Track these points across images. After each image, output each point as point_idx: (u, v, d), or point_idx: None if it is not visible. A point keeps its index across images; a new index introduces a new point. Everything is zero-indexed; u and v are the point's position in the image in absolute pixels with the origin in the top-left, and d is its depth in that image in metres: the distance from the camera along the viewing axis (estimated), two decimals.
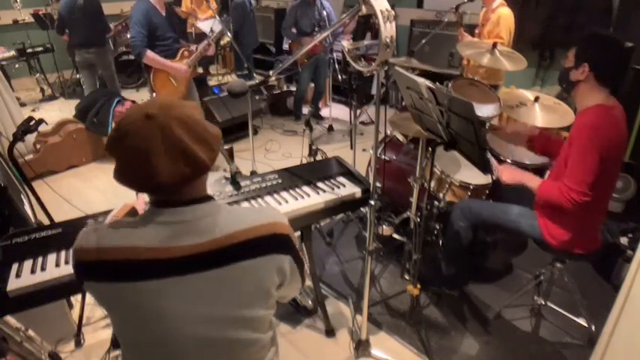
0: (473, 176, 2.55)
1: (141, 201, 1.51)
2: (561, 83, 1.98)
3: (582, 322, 2.26)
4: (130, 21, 3.41)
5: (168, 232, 0.95)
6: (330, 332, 2.29)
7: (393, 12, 1.49)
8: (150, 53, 3.35)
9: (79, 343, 2.20)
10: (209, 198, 1.02)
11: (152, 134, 0.89)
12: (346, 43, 1.93)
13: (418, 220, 2.37)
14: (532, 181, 1.98)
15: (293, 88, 5.52)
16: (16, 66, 5.95)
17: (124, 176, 0.94)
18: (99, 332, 2.28)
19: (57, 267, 1.52)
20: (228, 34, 3.61)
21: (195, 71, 3.70)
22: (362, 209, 3.04)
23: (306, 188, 2.02)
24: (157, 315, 0.95)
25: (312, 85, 5.22)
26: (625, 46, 1.84)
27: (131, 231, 0.97)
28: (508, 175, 2.05)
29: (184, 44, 3.63)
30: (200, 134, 0.94)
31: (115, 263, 0.94)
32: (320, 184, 2.06)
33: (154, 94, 3.49)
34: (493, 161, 2.21)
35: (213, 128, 0.99)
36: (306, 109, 5.35)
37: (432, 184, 2.55)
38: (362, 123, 5.11)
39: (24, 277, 1.46)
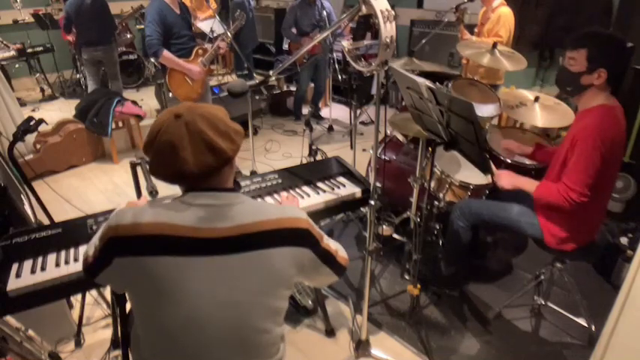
0: (473, 176, 2.55)
1: (143, 200, 1.51)
2: (565, 86, 1.92)
3: (582, 322, 2.26)
4: (144, 21, 3.40)
5: (202, 213, 1.03)
6: (330, 332, 2.29)
7: (393, 12, 1.49)
8: (166, 53, 3.29)
9: (79, 343, 2.20)
10: (235, 190, 1.12)
11: (179, 130, 1.00)
12: (346, 43, 1.92)
13: (418, 220, 2.37)
14: (529, 185, 1.98)
15: (293, 88, 5.51)
16: (16, 66, 5.95)
17: (158, 169, 1.04)
18: (99, 332, 2.28)
19: (57, 267, 1.51)
20: (229, 33, 3.59)
21: (210, 69, 3.68)
22: (362, 209, 3.04)
23: (306, 188, 2.02)
24: (181, 292, 1.00)
25: (312, 85, 5.22)
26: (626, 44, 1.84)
27: (167, 210, 1.05)
28: (506, 180, 2.05)
29: (199, 42, 3.61)
30: (221, 128, 1.04)
31: (150, 238, 1.00)
32: (320, 184, 2.06)
33: (170, 95, 3.46)
34: (492, 166, 2.22)
35: (236, 125, 1.09)
36: (306, 109, 5.35)
37: (432, 184, 2.55)
38: (362, 123, 5.11)
39: (24, 277, 1.46)
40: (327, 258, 1.19)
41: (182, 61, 3.40)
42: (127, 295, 1.12)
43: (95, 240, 1.09)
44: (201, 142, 1.01)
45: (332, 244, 1.22)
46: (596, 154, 1.75)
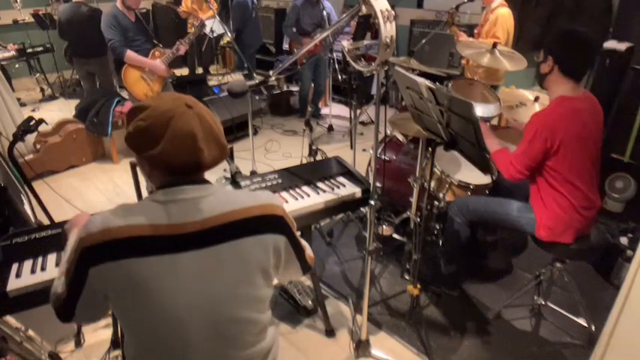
0: (473, 176, 2.55)
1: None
2: (536, 78, 2.10)
3: (582, 322, 2.26)
4: (103, 27, 3.55)
5: (171, 210, 1.01)
6: (330, 332, 2.29)
7: (393, 12, 1.49)
8: (130, 52, 3.56)
9: (79, 343, 2.20)
10: (208, 181, 1.10)
11: (195, 121, 1.00)
12: (346, 43, 1.92)
13: (418, 220, 2.37)
14: (492, 145, 2.11)
15: (293, 88, 5.52)
16: (16, 66, 5.95)
17: (173, 157, 0.99)
18: (99, 332, 2.28)
19: (57, 267, 1.51)
20: (229, 33, 3.64)
21: (169, 70, 3.86)
22: (362, 209, 3.04)
23: (306, 188, 2.02)
24: (160, 292, 0.98)
25: (312, 85, 5.22)
26: (590, 40, 1.93)
27: (135, 211, 1.01)
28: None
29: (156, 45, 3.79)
30: (219, 126, 1.07)
31: (120, 241, 0.97)
32: (320, 184, 2.06)
33: (126, 94, 3.62)
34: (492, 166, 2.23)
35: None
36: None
37: (432, 184, 2.55)
38: (362, 123, 5.11)
39: (24, 277, 1.46)
40: (298, 251, 1.19)
41: (146, 59, 3.63)
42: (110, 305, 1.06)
43: (62, 268, 1.05)
44: (212, 137, 1.02)
45: (302, 240, 1.22)
46: (538, 140, 1.88)
